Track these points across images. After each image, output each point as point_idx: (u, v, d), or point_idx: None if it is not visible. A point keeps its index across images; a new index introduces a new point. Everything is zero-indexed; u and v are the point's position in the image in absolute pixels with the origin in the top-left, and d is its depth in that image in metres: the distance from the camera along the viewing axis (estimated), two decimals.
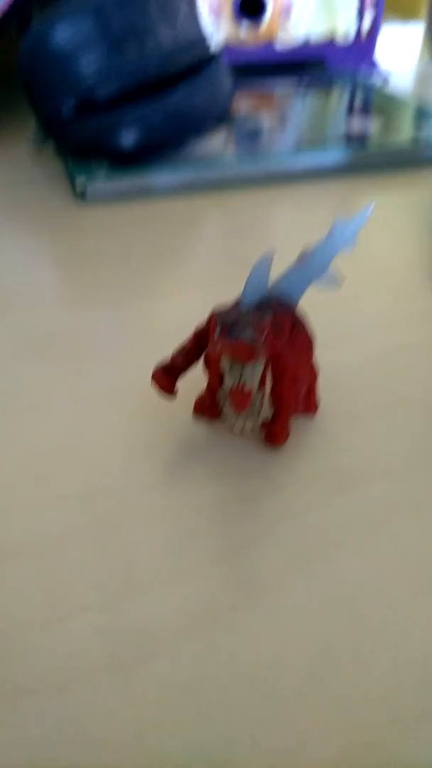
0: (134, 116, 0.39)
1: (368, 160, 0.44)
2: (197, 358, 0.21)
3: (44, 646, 0.16)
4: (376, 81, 0.63)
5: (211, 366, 0.20)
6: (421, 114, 0.50)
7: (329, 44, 0.63)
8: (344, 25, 0.62)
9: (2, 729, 0.14)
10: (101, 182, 0.39)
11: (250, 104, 0.52)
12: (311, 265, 0.22)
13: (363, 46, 0.64)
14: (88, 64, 0.38)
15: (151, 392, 0.24)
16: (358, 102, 0.53)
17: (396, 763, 0.14)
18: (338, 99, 0.54)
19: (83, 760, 0.14)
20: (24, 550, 0.18)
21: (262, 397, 0.19)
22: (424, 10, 0.84)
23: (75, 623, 0.16)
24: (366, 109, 0.51)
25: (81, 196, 0.39)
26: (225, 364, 0.19)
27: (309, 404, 0.23)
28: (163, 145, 0.41)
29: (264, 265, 0.20)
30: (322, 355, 0.26)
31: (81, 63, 0.38)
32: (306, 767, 0.14)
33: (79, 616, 0.16)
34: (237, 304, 0.21)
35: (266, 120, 0.48)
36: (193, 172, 0.40)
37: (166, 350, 0.26)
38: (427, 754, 0.14)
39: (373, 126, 0.47)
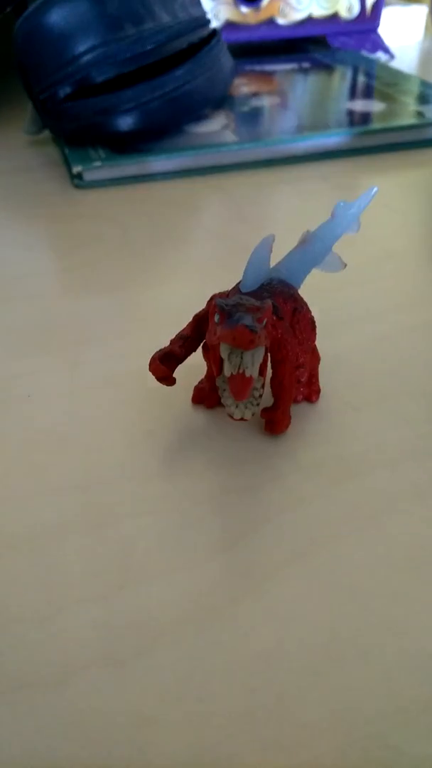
0: (131, 99, 0.38)
1: (371, 141, 0.43)
2: (196, 345, 0.21)
3: (41, 639, 0.16)
4: (379, 57, 0.62)
5: (211, 353, 0.20)
6: (425, 92, 0.49)
7: (332, 20, 0.61)
8: (347, 2, 0.61)
9: None
10: (98, 167, 0.38)
11: (251, 85, 0.51)
12: (313, 249, 0.21)
13: (366, 21, 0.62)
14: (84, 46, 0.37)
15: (150, 380, 0.24)
16: (360, 82, 0.52)
17: (398, 756, 0.14)
18: (341, 78, 0.53)
19: (80, 755, 0.14)
20: (20, 541, 0.18)
21: (263, 384, 0.19)
22: None
23: (72, 616, 0.16)
24: (369, 89, 0.50)
25: (78, 181, 0.38)
26: (224, 350, 0.18)
27: (310, 391, 0.22)
28: (162, 128, 0.40)
29: (264, 249, 0.20)
30: (324, 341, 0.25)
31: (77, 45, 0.37)
32: (307, 760, 0.13)
33: (76, 608, 0.16)
34: (237, 289, 0.20)
35: (267, 100, 0.48)
36: (192, 156, 0.39)
37: (164, 337, 0.26)
38: (430, 746, 0.14)
39: (376, 106, 0.46)
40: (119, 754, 0.14)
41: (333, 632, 0.16)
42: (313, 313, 0.27)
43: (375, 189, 0.21)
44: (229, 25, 0.58)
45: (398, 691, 0.15)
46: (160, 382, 0.21)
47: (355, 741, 0.14)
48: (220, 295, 0.21)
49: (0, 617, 0.16)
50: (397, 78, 0.52)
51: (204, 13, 0.45)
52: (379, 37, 0.63)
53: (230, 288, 0.29)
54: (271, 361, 0.20)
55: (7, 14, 0.64)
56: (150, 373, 0.24)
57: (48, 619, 0.16)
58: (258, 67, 0.56)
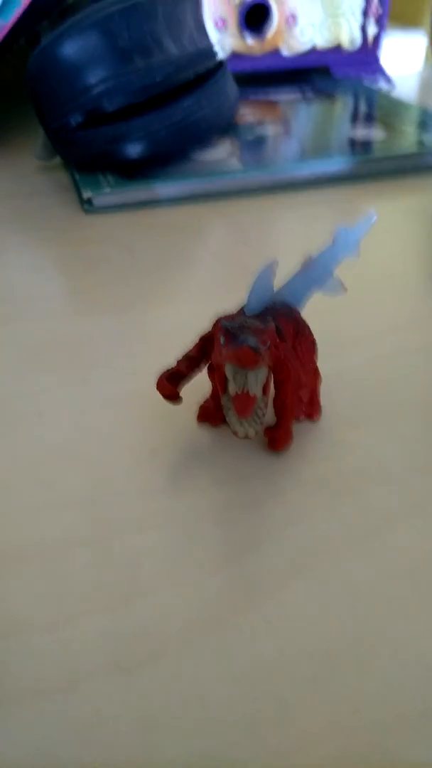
0: (140, 128, 0.39)
1: (372, 167, 0.44)
2: (202, 364, 0.22)
3: (49, 648, 0.16)
4: (380, 86, 0.63)
5: (216, 372, 0.21)
6: (425, 119, 0.50)
7: (334, 51, 0.63)
8: (349, 33, 0.63)
9: (7, 730, 0.15)
10: (108, 193, 0.39)
11: (256, 113, 0.53)
12: (315, 272, 0.22)
13: (368, 52, 0.64)
14: (96, 77, 0.38)
15: (156, 398, 0.24)
16: (362, 109, 0.53)
17: (397, 764, 0.14)
18: (343, 106, 0.54)
19: (87, 759, 0.14)
20: (30, 553, 0.18)
21: (266, 403, 0.19)
22: (427, 19, 0.85)
23: (80, 626, 0.17)
24: (370, 115, 0.51)
25: (88, 206, 0.40)
26: (229, 370, 0.19)
27: (312, 410, 0.23)
28: (169, 155, 0.42)
29: (268, 272, 0.20)
30: (325, 361, 0.26)
31: (88, 76, 0.39)
32: (308, 766, 0.14)
33: (83, 618, 0.17)
34: (241, 311, 0.21)
35: (271, 128, 0.49)
36: (199, 182, 0.41)
37: (170, 357, 0.27)
38: (429, 755, 0.14)
39: (377, 133, 0.47)
40: (125, 759, 0.14)
41: (333, 642, 0.16)
42: (314, 335, 0.28)
43: (374, 216, 0.22)
44: (235, 56, 0.60)
45: (397, 699, 0.15)
46: (167, 401, 0.22)
47: (354, 748, 0.14)
48: (226, 317, 0.21)
49: (10, 626, 0.17)
50: (397, 106, 0.54)
51: (211, 45, 0.47)
52: (380, 66, 0.65)
53: (235, 310, 0.30)
54: (273, 381, 0.20)
55: (21, 45, 0.66)
56: (157, 392, 0.25)
57: (56, 629, 0.16)
58: (262, 96, 0.58)
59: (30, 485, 0.21)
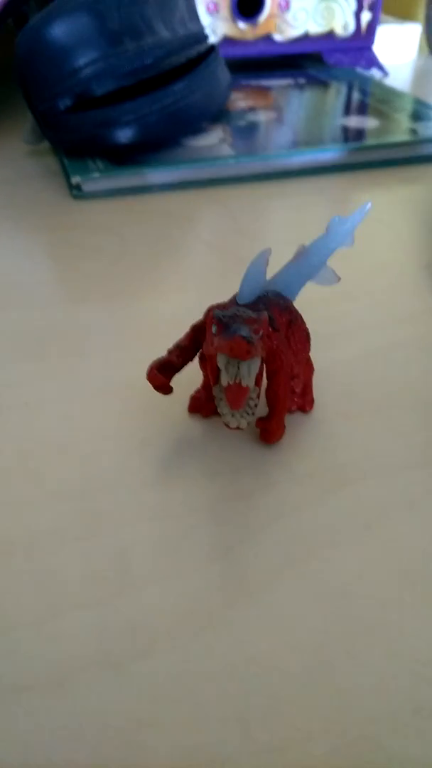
0: (130, 112, 0.39)
1: (366, 157, 0.43)
2: (193, 354, 0.21)
3: (38, 642, 0.16)
4: (374, 75, 0.63)
5: (208, 363, 0.20)
6: (418, 109, 0.49)
7: (327, 38, 0.62)
8: (342, 20, 0.62)
9: None
10: (97, 179, 0.39)
11: (248, 100, 0.52)
12: (308, 262, 0.22)
13: (361, 39, 0.63)
14: (85, 60, 0.38)
15: (147, 389, 0.24)
16: (355, 97, 0.53)
17: (391, 758, 0.14)
18: (335, 94, 0.54)
19: (77, 757, 0.14)
20: (18, 547, 0.18)
21: (258, 394, 0.19)
22: (420, 11, 0.84)
23: (69, 620, 0.16)
24: (363, 105, 0.51)
25: (76, 192, 0.39)
26: (221, 360, 0.18)
27: (304, 401, 0.23)
28: (159, 141, 0.41)
29: (261, 262, 0.20)
30: (318, 352, 0.26)
31: (77, 59, 0.38)
32: (301, 763, 0.14)
33: (72, 612, 0.16)
34: (234, 301, 0.21)
35: (263, 115, 0.48)
36: (190, 168, 0.40)
37: (162, 347, 0.26)
38: (422, 748, 0.14)
39: (370, 121, 0.47)
40: (116, 756, 0.14)
41: (326, 637, 0.16)
42: (307, 325, 0.27)
43: (369, 205, 0.22)
44: (227, 41, 0.59)
45: (390, 694, 0.15)
46: (158, 391, 0.21)
47: (347, 744, 0.14)
48: (218, 306, 0.21)
49: None
50: (390, 95, 0.53)
51: (202, 29, 0.46)
52: (373, 54, 0.64)
53: (227, 299, 0.29)
54: (266, 372, 0.20)
55: (8, 26, 0.65)
56: (147, 382, 0.24)
57: (46, 624, 0.16)
58: (254, 82, 0.57)
59: (17, 477, 0.20)
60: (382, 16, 0.77)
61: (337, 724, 0.14)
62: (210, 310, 0.21)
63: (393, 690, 0.15)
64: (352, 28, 0.63)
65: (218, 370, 0.19)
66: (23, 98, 0.45)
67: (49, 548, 0.18)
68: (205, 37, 0.46)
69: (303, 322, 0.22)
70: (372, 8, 0.62)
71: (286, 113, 0.49)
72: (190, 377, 0.24)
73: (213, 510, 0.19)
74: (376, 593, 0.17)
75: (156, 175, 0.40)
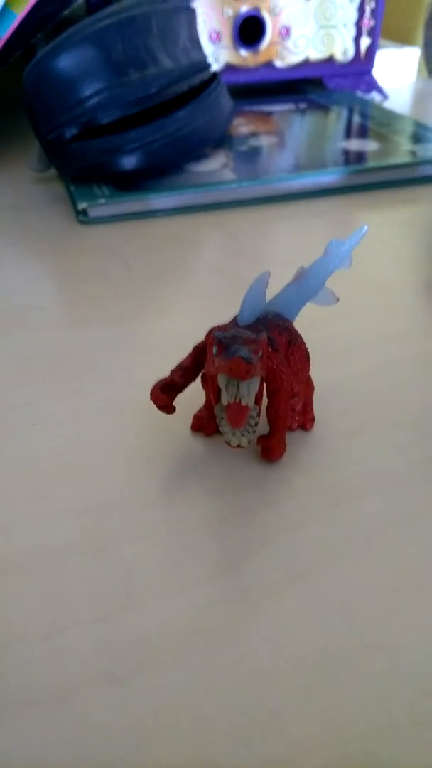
0: (135, 140, 0.40)
1: (366, 179, 0.44)
2: (195, 375, 0.22)
3: (44, 657, 0.16)
4: (374, 98, 0.64)
5: (209, 382, 0.21)
6: (418, 131, 0.50)
7: (328, 63, 0.64)
8: (342, 45, 0.63)
9: (1, 740, 0.15)
10: (102, 204, 0.39)
11: (249, 125, 0.53)
12: (307, 284, 0.22)
13: (361, 65, 0.65)
14: (90, 90, 0.39)
15: (150, 409, 0.24)
16: (355, 120, 0.54)
17: None
18: (336, 118, 0.55)
19: None
20: (24, 563, 0.19)
21: (259, 412, 0.20)
22: (419, 35, 0.86)
23: (74, 635, 0.17)
24: (364, 128, 0.52)
25: (83, 217, 0.40)
26: (222, 380, 0.19)
27: (305, 419, 0.23)
28: (163, 167, 0.42)
29: (261, 283, 0.21)
30: (318, 371, 0.26)
31: (83, 88, 0.39)
32: None
33: (78, 628, 0.17)
34: (234, 322, 0.21)
35: (265, 140, 0.49)
36: (193, 193, 0.41)
37: (164, 367, 0.27)
38: (422, 761, 0.14)
39: (370, 144, 0.48)
40: None
41: (326, 651, 0.16)
42: (307, 345, 0.28)
43: (365, 228, 0.23)
44: (229, 68, 0.61)
45: (390, 707, 0.15)
46: (161, 411, 0.22)
47: (348, 756, 0.14)
48: (219, 328, 0.21)
49: (5, 636, 0.17)
50: (390, 118, 0.54)
51: (205, 57, 0.47)
52: (373, 78, 0.66)
53: (228, 321, 0.30)
54: (266, 391, 0.21)
55: (17, 58, 0.66)
56: (151, 402, 0.25)
57: (51, 638, 0.17)
58: (256, 108, 0.58)
59: (24, 496, 0.21)
60: (381, 41, 0.78)
61: (338, 737, 0.15)
62: (211, 331, 0.21)
63: (393, 703, 0.15)
64: (351, 53, 0.64)
65: (219, 389, 0.19)
66: (31, 127, 0.46)
67: (55, 564, 0.18)
68: (207, 65, 0.47)
69: (302, 342, 0.22)
70: (371, 33, 0.64)
71: (288, 137, 0.50)
72: (192, 397, 0.25)
73: (215, 526, 0.20)
74: (376, 607, 0.17)
75: (160, 200, 0.41)
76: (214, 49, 0.59)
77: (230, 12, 0.58)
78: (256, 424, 0.20)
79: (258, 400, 0.20)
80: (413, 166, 0.45)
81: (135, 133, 0.40)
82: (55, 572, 0.18)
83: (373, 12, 0.62)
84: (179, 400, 0.25)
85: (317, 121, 0.54)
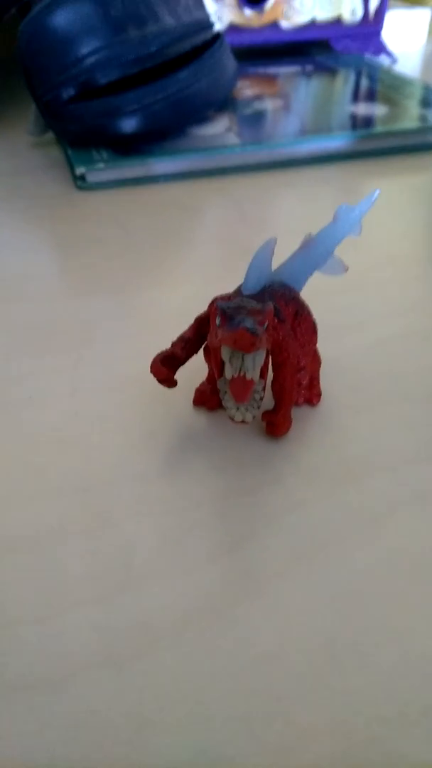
0: (135, 101, 0.38)
1: (374, 144, 0.43)
2: (198, 347, 0.21)
3: (40, 640, 0.16)
4: (382, 62, 0.62)
5: (212, 355, 0.20)
6: (428, 96, 0.49)
7: (335, 24, 0.61)
8: (350, 6, 0.61)
9: None
10: (101, 169, 0.38)
11: (254, 88, 0.51)
12: (315, 252, 0.21)
13: (370, 26, 0.62)
14: (88, 48, 0.37)
15: (151, 382, 0.24)
16: (363, 84, 0.52)
17: (399, 759, 0.14)
18: (343, 81, 0.53)
19: (79, 756, 0.14)
20: (20, 543, 0.18)
21: (264, 387, 0.19)
22: None
23: (72, 618, 0.16)
24: (372, 92, 0.50)
25: (81, 183, 0.38)
26: (225, 353, 0.18)
27: (311, 394, 0.22)
28: (165, 130, 0.40)
29: (266, 251, 0.20)
30: (326, 344, 0.25)
31: (81, 48, 0.37)
32: (307, 763, 0.13)
33: (75, 610, 0.16)
34: (238, 292, 0.20)
35: (270, 103, 0.48)
36: (195, 158, 0.39)
37: (166, 339, 0.26)
38: (430, 751, 0.14)
39: (379, 109, 0.46)
40: (118, 755, 0.14)
41: (333, 635, 0.16)
42: (314, 316, 0.27)
43: (377, 192, 0.21)
44: (233, 28, 0.59)
45: (398, 695, 0.15)
46: (161, 384, 0.21)
47: (354, 744, 0.14)
48: (222, 297, 0.21)
49: (0, 619, 0.16)
50: (399, 82, 0.52)
51: (207, 16, 0.45)
52: (382, 40, 0.63)
53: (232, 290, 0.29)
54: (272, 364, 0.20)
55: (12, 16, 0.64)
56: (151, 375, 0.24)
57: (48, 621, 0.16)
58: (261, 70, 0.56)
59: (20, 472, 0.20)
60: (391, 2, 0.75)
61: (345, 725, 0.14)
62: (214, 301, 0.20)
63: (402, 690, 0.15)
64: (360, 14, 0.62)
65: (222, 362, 0.19)
66: (26, 89, 0.45)
67: (53, 543, 0.18)
68: (210, 25, 0.45)
69: (310, 314, 0.21)
70: (380, 1, 0.61)
71: (293, 101, 0.48)
72: (194, 370, 0.24)
73: (218, 505, 0.19)
74: (384, 590, 0.17)
75: (161, 165, 0.39)
76: (218, 9, 0.57)
77: None
78: (261, 398, 0.19)
79: (263, 373, 0.19)
80: (423, 132, 0.43)
81: (135, 94, 0.38)
82: (52, 552, 0.18)
83: None
84: (181, 374, 0.24)
85: (324, 84, 0.52)
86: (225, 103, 0.47)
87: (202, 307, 0.28)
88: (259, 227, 0.34)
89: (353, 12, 0.62)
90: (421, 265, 0.31)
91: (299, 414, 0.22)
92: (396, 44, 0.71)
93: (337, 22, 0.62)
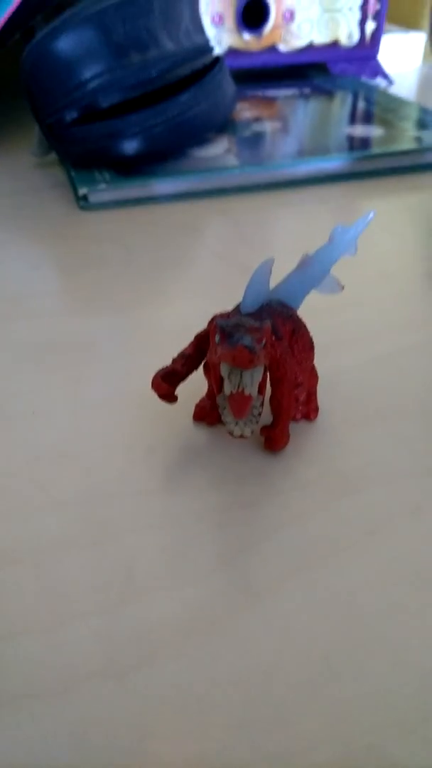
0: (136, 124, 0.39)
1: (371, 166, 0.44)
2: (198, 363, 0.21)
3: (43, 651, 0.16)
4: (379, 84, 0.63)
5: (212, 371, 0.20)
6: (424, 117, 0.50)
7: (332, 47, 0.63)
8: (347, 30, 0.62)
9: (1, 733, 0.14)
10: (103, 190, 0.39)
11: (253, 110, 0.52)
12: (312, 271, 0.22)
13: (366, 49, 0.64)
14: (90, 72, 0.38)
15: (152, 398, 0.24)
16: (360, 106, 0.53)
17: (396, 767, 0.14)
18: (341, 103, 0.54)
19: (82, 764, 0.14)
20: (23, 555, 0.18)
21: (262, 402, 0.19)
22: (425, 20, 0.84)
23: (74, 628, 0.16)
24: (368, 114, 0.51)
25: (83, 203, 0.39)
26: (224, 369, 0.19)
27: (309, 409, 0.23)
28: (165, 152, 0.41)
29: (264, 270, 0.20)
30: (322, 360, 0.26)
31: (83, 72, 0.38)
32: None
33: (78, 621, 0.17)
34: (237, 310, 0.21)
35: (268, 125, 0.49)
36: (195, 179, 0.40)
37: (166, 356, 0.26)
38: (429, 758, 0.14)
39: (375, 130, 0.47)
40: (120, 763, 0.14)
41: (331, 645, 0.16)
42: (311, 334, 0.28)
43: (372, 214, 0.22)
44: (232, 52, 0.60)
45: (395, 703, 0.15)
46: (162, 400, 0.21)
47: (352, 752, 0.14)
48: (221, 315, 0.21)
49: (3, 629, 0.16)
50: (396, 104, 0.54)
51: (207, 41, 0.46)
52: (378, 63, 0.65)
53: (231, 308, 0.30)
54: (270, 380, 0.20)
55: (16, 40, 0.65)
56: (152, 391, 0.24)
57: (50, 631, 0.16)
58: (260, 93, 0.57)
59: (23, 486, 0.20)
60: (387, 25, 0.77)
61: (343, 733, 0.14)
62: (213, 319, 0.21)
63: (400, 698, 0.15)
64: (356, 37, 0.63)
65: (222, 379, 0.19)
66: (30, 111, 0.46)
67: (55, 556, 0.18)
68: (210, 49, 0.46)
69: (307, 331, 0.22)
70: (376, 18, 0.62)
71: (292, 123, 0.49)
72: (194, 386, 0.24)
73: (217, 518, 0.19)
74: (381, 600, 0.17)
75: (162, 186, 0.40)
76: (217, 33, 0.59)
77: None
78: (260, 414, 0.19)
79: (261, 389, 0.19)
80: (419, 153, 0.44)
81: (136, 117, 0.39)
82: (54, 564, 0.18)
83: None
84: (181, 390, 0.24)
85: (321, 106, 0.53)
86: (224, 125, 0.48)
87: (201, 325, 0.28)
88: (257, 247, 0.35)
89: (350, 36, 0.63)
90: (416, 282, 0.31)
91: (297, 429, 0.23)
92: (392, 67, 0.73)
93: (334, 45, 0.63)
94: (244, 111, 0.52)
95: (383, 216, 0.38)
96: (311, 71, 0.67)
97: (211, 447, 0.22)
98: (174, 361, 0.21)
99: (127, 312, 0.29)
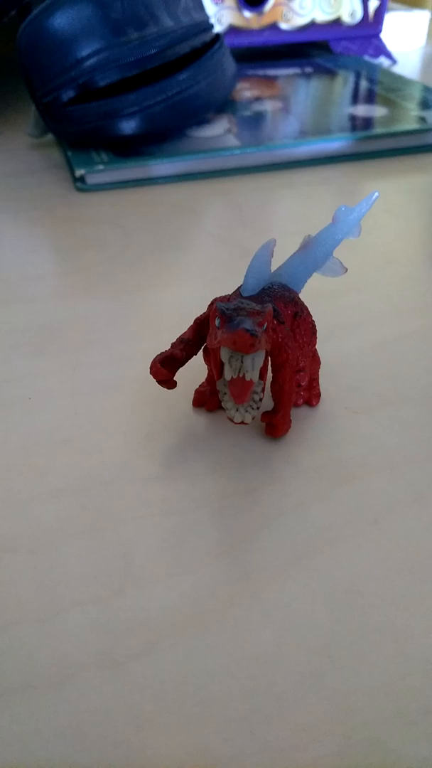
0: (134, 103, 0.38)
1: (374, 146, 0.43)
2: (197, 348, 0.21)
3: (39, 641, 0.16)
4: (382, 62, 0.62)
5: (212, 356, 0.20)
6: (427, 97, 0.49)
7: (334, 25, 0.61)
8: (349, 7, 0.61)
9: None
10: (101, 171, 0.38)
11: (253, 89, 0.51)
12: (314, 253, 0.21)
13: (369, 28, 0.63)
14: (87, 50, 0.37)
15: (151, 383, 0.24)
16: (363, 85, 0.52)
17: (397, 759, 0.14)
18: (343, 82, 0.53)
19: (78, 756, 0.14)
20: (20, 543, 0.18)
21: (263, 388, 0.19)
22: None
23: (71, 618, 0.16)
24: (371, 94, 0.50)
25: (80, 184, 0.39)
26: (225, 354, 0.18)
27: (311, 395, 0.22)
28: (164, 132, 0.40)
29: (266, 252, 0.20)
30: (325, 345, 0.25)
31: (80, 50, 0.37)
32: (306, 763, 0.13)
33: (75, 610, 0.16)
34: (238, 293, 0.20)
35: (269, 105, 0.48)
36: (195, 159, 0.40)
37: (165, 341, 0.26)
38: (429, 750, 0.14)
39: (378, 111, 0.46)
40: (117, 756, 0.14)
41: (332, 635, 0.16)
42: (313, 318, 0.27)
43: (376, 194, 0.22)
44: (233, 30, 0.59)
45: (397, 694, 0.15)
46: (161, 385, 0.21)
47: (353, 744, 0.14)
48: (221, 299, 0.21)
49: (0, 619, 0.16)
50: (399, 83, 0.53)
51: (207, 18, 0.45)
52: (381, 42, 0.63)
53: (231, 292, 0.29)
54: (271, 365, 0.20)
55: (12, 17, 0.64)
56: (151, 376, 0.24)
57: (47, 621, 0.16)
58: (260, 72, 0.56)
59: (20, 472, 0.20)
60: (390, 3, 0.75)
61: (344, 725, 0.14)
62: (213, 302, 0.20)
63: (402, 690, 0.15)
64: (359, 15, 0.62)
65: (222, 363, 0.19)
66: (26, 90, 0.45)
67: (52, 544, 0.18)
68: (210, 27, 0.45)
69: (309, 315, 0.21)
70: (379, 2, 0.61)
71: (293, 103, 0.48)
72: (194, 371, 0.24)
73: (218, 505, 0.19)
74: (384, 590, 0.17)
75: (160, 167, 0.39)
76: (217, 10, 0.57)
77: None
78: (261, 399, 0.19)
79: (262, 374, 0.19)
80: (422, 133, 0.43)
81: (134, 96, 0.38)
82: (51, 552, 0.18)
83: None
84: (180, 375, 0.24)
85: (323, 85, 0.52)
86: (224, 104, 0.48)
87: (201, 309, 0.28)
88: (258, 228, 0.34)
89: (352, 14, 0.62)
90: (419, 265, 0.31)
91: (298, 415, 0.22)
92: (395, 46, 0.71)
93: (337, 23, 0.62)
94: (245, 90, 0.51)
95: (386, 197, 0.37)
96: (313, 50, 0.66)
97: (210, 433, 0.21)
98: (173, 345, 0.21)
99: (126, 295, 0.29)
